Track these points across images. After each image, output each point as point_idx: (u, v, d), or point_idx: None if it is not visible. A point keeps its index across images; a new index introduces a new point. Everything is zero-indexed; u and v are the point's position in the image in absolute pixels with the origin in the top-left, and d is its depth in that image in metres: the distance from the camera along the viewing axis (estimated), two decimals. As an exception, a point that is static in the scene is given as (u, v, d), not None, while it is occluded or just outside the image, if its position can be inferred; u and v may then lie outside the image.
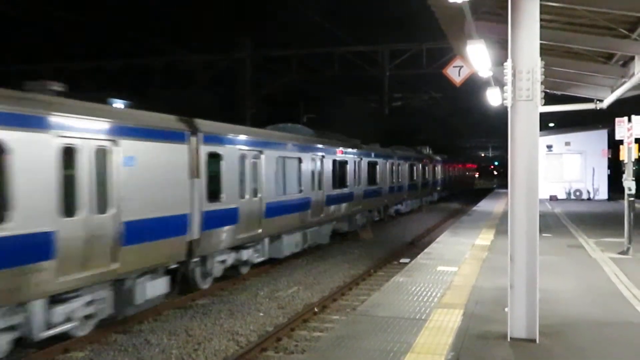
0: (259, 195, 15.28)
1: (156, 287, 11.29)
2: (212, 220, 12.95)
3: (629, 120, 13.15)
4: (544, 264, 8.41)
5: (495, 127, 43.41)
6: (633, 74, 13.23)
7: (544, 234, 16.18)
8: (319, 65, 31.07)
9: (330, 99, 41.51)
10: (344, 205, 22.35)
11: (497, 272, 10.99)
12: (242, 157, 14.56)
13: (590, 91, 18.46)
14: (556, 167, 33.06)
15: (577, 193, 33.10)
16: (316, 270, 16.60)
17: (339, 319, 11.64)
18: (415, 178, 35.70)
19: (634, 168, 13.33)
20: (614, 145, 19.47)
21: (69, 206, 9.05)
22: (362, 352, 6.67)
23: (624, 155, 13.34)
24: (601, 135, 32.70)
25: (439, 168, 44.87)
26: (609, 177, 33.46)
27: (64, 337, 9.54)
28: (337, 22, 35.98)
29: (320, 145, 20.25)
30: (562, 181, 33.19)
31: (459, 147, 79.34)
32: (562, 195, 32.93)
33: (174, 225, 11.64)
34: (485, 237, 16.59)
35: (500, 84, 7.60)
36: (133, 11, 43.64)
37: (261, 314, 12.05)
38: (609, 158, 32.71)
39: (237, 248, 14.55)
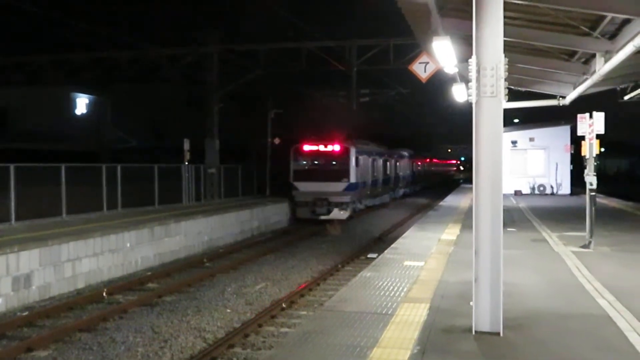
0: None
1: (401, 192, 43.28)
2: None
3: (591, 116, 13.37)
4: (508, 258, 8.54)
5: (461, 123, 44.13)
6: (594, 71, 13.49)
7: (508, 229, 16.41)
8: (287, 60, 30.95)
9: (297, 94, 41.43)
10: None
11: (462, 266, 11.10)
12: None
13: (554, 88, 18.79)
14: (520, 163, 33.55)
15: (541, 188, 33.64)
16: (284, 266, 16.59)
17: (306, 314, 11.67)
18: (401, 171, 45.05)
19: (596, 164, 13.56)
20: (577, 141, 19.81)
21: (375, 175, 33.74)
22: (329, 348, 6.68)
23: (585, 150, 13.55)
24: (564, 131, 33.22)
25: (421, 164, 57.78)
26: (572, 172, 34.11)
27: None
28: (304, 17, 35.85)
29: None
30: (527, 176, 33.68)
31: (429, 143, 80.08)
32: (526, 190, 33.44)
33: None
34: (451, 232, 16.75)
35: (466, 80, 7.68)
36: (98, 3, 42.88)
37: (228, 310, 12.00)
38: (571, 153, 33.30)
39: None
